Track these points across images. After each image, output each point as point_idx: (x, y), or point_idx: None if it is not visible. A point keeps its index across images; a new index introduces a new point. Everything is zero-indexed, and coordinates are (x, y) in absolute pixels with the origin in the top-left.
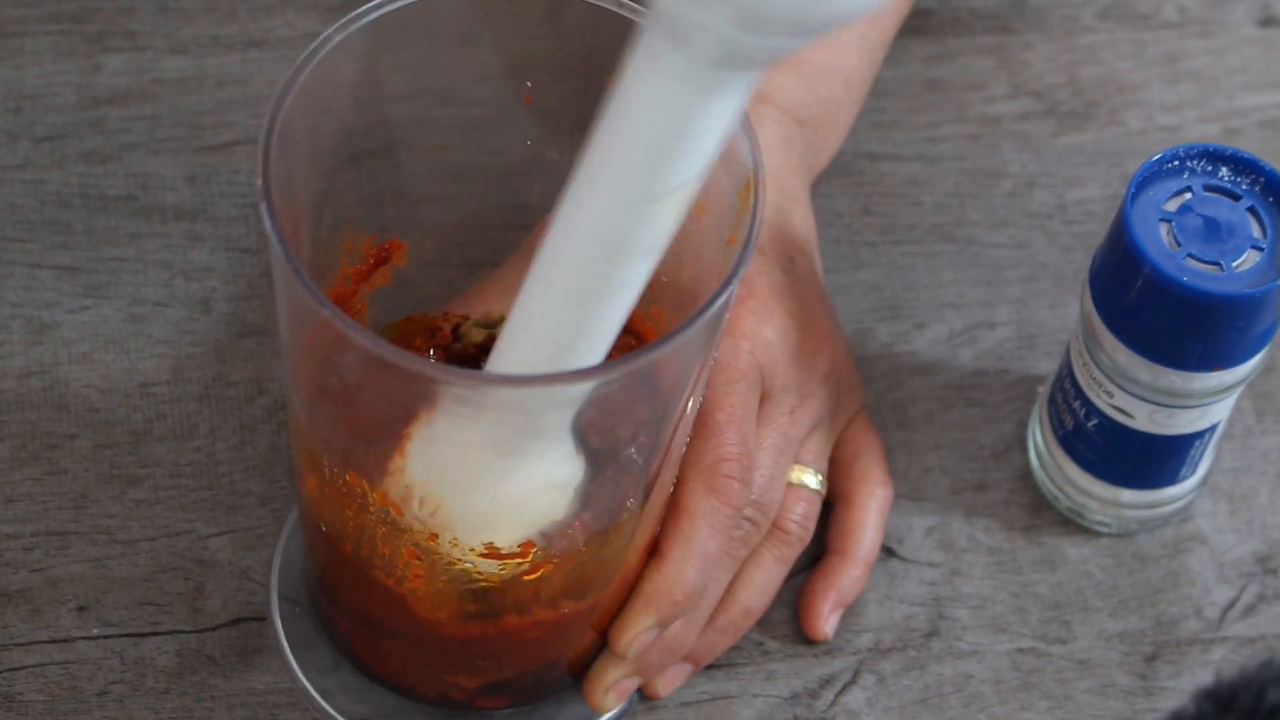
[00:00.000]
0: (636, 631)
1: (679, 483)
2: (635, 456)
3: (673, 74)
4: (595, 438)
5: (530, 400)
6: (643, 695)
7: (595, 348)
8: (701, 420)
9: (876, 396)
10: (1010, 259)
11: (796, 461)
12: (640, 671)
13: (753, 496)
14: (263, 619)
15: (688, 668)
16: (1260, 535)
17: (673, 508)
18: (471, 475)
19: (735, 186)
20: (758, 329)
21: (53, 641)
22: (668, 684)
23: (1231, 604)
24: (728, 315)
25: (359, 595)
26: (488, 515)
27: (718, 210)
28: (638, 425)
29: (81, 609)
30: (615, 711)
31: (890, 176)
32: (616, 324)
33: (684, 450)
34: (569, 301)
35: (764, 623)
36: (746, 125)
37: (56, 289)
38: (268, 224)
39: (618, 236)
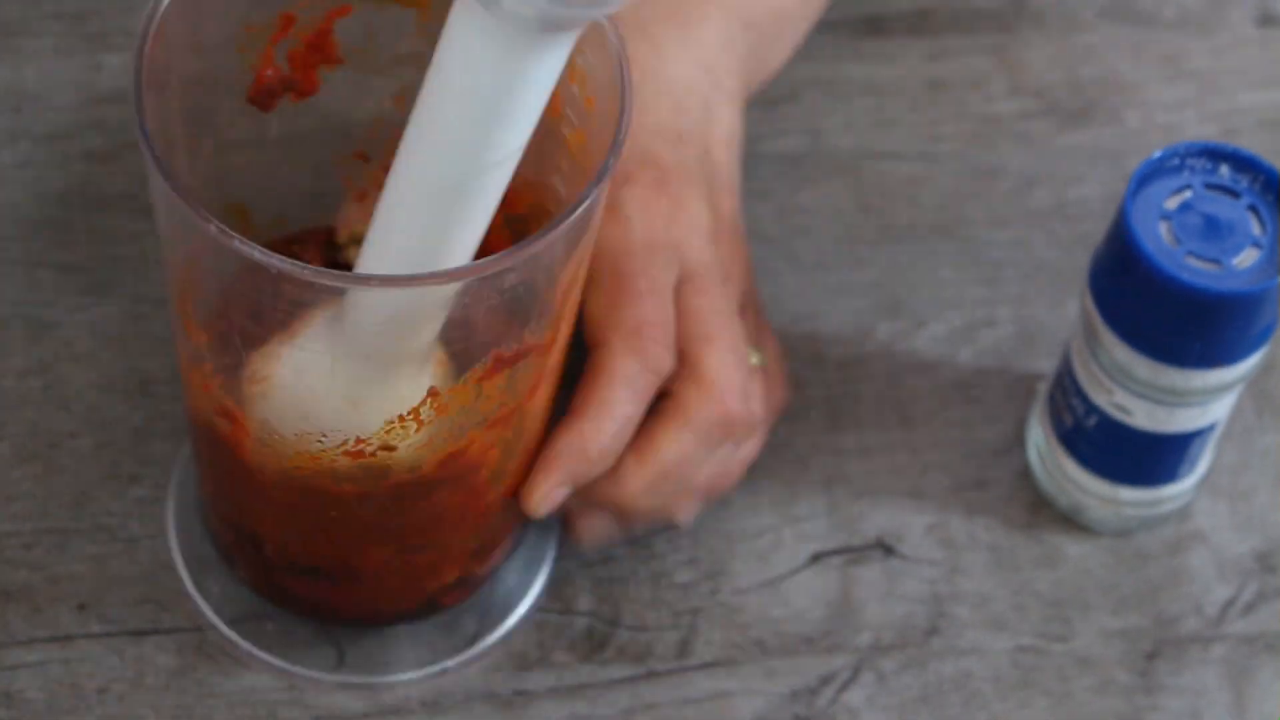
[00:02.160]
0: (546, 489)
1: (597, 345)
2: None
3: (487, 39)
4: (463, 338)
5: (397, 301)
6: (568, 543)
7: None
8: (622, 285)
9: (876, 395)
10: (1010, 257)
11: None
12: (580, 492)
13: (735, 360)
14: (264, 618)
15: (612, 528)
16: (1260, 533)
17: (591, 369)
18: (337, 382)
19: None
20: (673, 211)
21: (53, 639)
22: (589, 531)
23: (1231, 602)
24: (595, 218)
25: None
26: (351, 418)
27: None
28: (510, 327)
29: (82, 607)
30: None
31: (890, 175)
32: (468, 246)
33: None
34: (414, 245)
35: (763, 621)
36: (615, 32)
37: (56, 288)
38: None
39: (446, 205)
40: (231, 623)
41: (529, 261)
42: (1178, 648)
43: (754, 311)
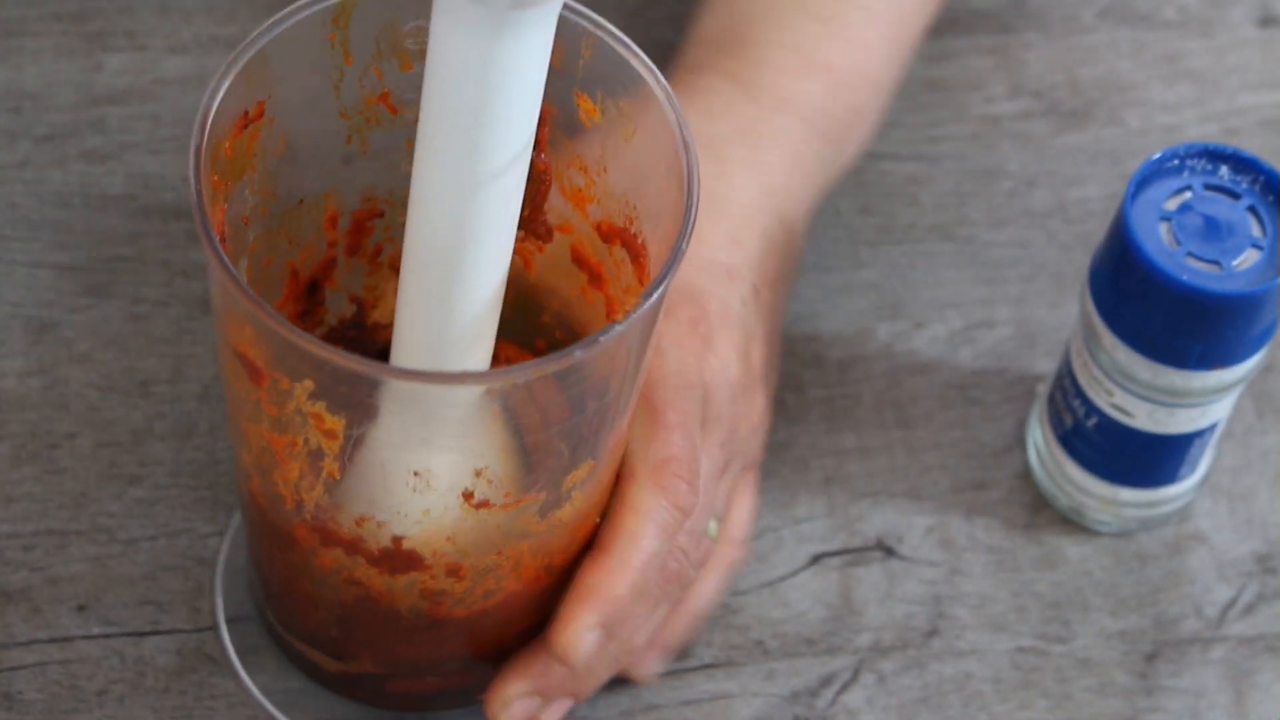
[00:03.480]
0: (579, 627)
1: (624, 479)
2: (561, 449)
3: (467, 28)
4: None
5: (420, 395)
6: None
7: (478, 341)
8: (653, 418)
9: (876, 396)
10: (1010, 258)
11: None
12: (540, 690)
13: (688, 524)
14: (262, 618)
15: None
16: (1260, 534)
17: (617, 504)
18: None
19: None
20: (704, 353)
21: (53, 640)
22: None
23: (1231, 603)
24: (656, 326)
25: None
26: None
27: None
28: (558, 424)
29: (81, 608)
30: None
31: (890, 176)
32: (490, 309)
33: (620, 448)
34: (434, 289)
35: (763, 621)
36: (691, 147)
37: (56, 288)
38: (202, 230)
39: (463, 209)
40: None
41: (588, 360)
42: (1178, 649)
43: (748, 471)
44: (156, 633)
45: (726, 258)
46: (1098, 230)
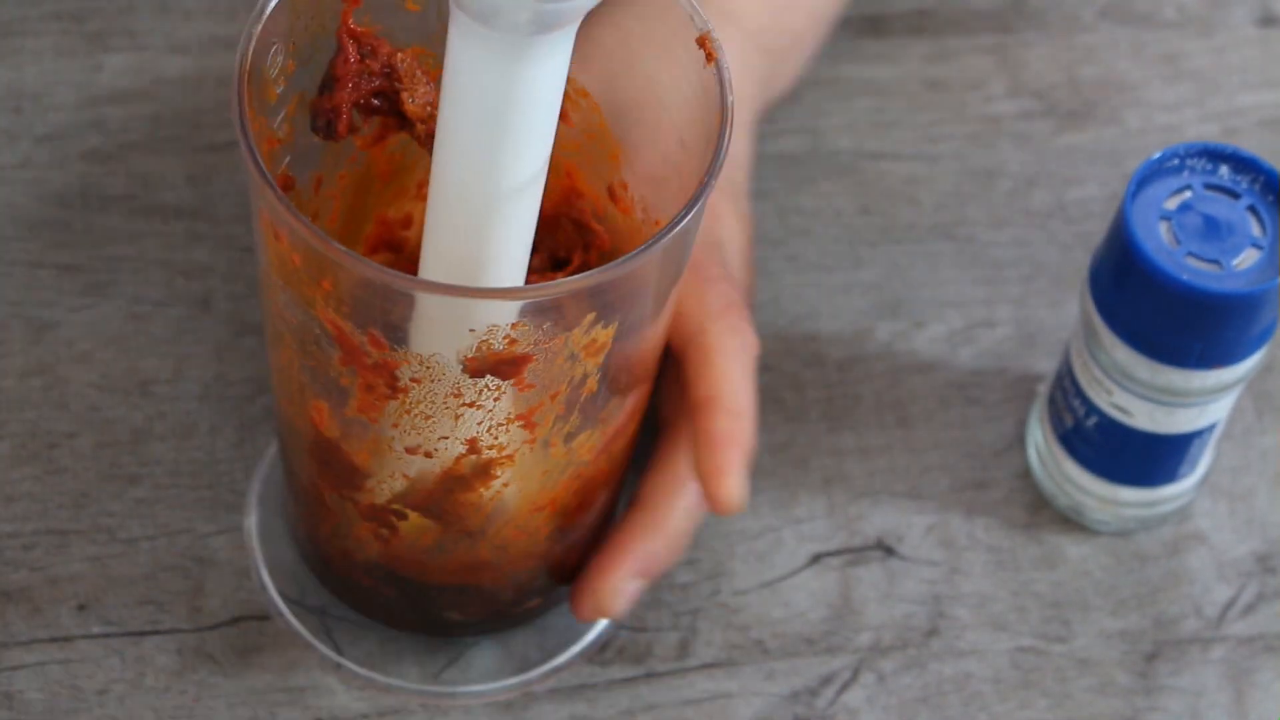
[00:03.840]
0: (732, 471)
1: (693, 336)
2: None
3: (485, 50)
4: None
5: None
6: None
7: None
8: (697, 273)
9: (876, 395)
10: (1010, 258)
11: None
12: (644, 572)
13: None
14: (263, 618)
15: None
16: (1260, 534)
17: (698, 358)
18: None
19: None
20: (712, 222)
21: (53, 640)
22: (629, 604)
23: (1231, 603)
24: (691, 239)
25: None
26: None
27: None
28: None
29: (81, 607)
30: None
31: (890, 176)
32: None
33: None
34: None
35: (763, 621)
36: (722, 55)
37: (57, 288)
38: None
39: (478, 225)
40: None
41: (628, 277)
42: (1177, 648)
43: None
44: (156, 632)
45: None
46: (1098, 230)
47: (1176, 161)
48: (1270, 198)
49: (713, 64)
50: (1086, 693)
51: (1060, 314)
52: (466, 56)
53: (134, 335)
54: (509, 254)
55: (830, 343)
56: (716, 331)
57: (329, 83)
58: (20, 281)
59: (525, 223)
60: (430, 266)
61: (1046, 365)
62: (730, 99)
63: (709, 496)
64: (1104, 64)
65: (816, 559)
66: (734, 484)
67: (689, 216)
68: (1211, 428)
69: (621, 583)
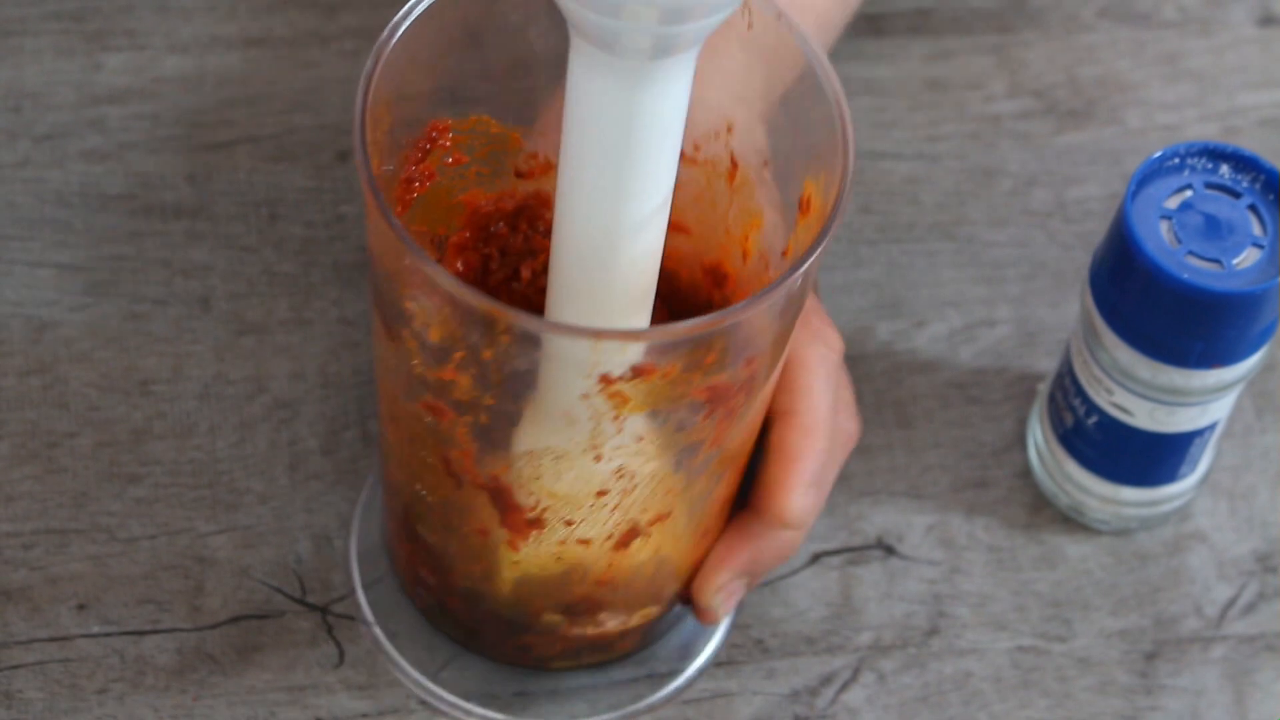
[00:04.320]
0: (799, 490)
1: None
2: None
3: (606, 78)
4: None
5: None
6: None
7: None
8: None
9: (876, 395)
10: (1010, 257)
11: None
12: (749, 570)
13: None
14: (262, 616)
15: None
16: (1260, 533)
17: (783, 370)
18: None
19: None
20: None
21: (52, 639)
22: (731, 606)
23: (1231, 602)
24: (810, 281)
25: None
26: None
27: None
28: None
29: (81, 607)
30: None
31: (890, 175)
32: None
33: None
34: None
35: (763, 621)
36: (843, 116)
37: (56, 287)
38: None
39: (604, 259)
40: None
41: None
42: (1178, 648)
43: None
44: (156, 631)
45: None
46: (1098, 229)
47: (1177, 161)
48: (1271, 197)
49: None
50: (1086, 692)
51: (1060, 313)
52: (587, 85)
53: (133, 335)
54: (637, 289)
55: None
56: (801, 341)
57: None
58: (20, 280)
59: (650, 257)
60: (556, 307)
61: (1047, 365)
62: (852, 151)
63: (766, 509)
64: (1104, 64)
65: (816, 558)
66: (793, 500)
67: (812, 258)
68: (1212, 427)
69: (802, 491)
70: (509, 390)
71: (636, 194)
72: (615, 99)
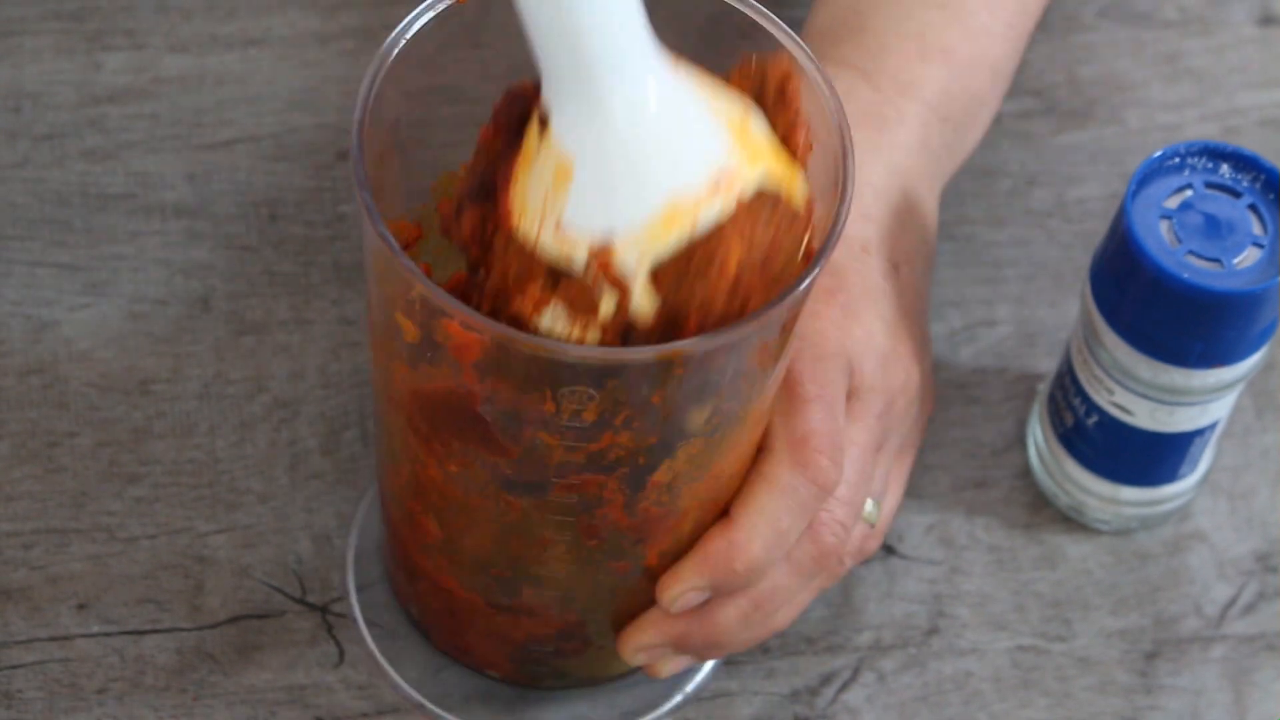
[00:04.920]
0: (685, 587)
1: (764, 450)
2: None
3: None
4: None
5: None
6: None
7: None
8: (790, 391)
9: None
10: (1010, 257)
11: None
12: (675, 646)
13: (841, 495)
14: (262, 616)
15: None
16: (1260, 533)
17: (753, 475)
18: None
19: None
20: (845, 323)
21: (52, 639)
22: (672, 667)
23: (1231, 602)
24: (804, 304)
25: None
26: None
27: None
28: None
29: (81, 606)
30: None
31: None
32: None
33: (759, 427)
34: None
35: None
36: (842, 121)
37: (56, 287)
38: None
39: None
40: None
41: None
42: (1178, 648)
43: (903, 454)
44: (156, 631)
45: (859, 232)
46: (1098, 229)
47: (1177, 160)
48: (1271, 196)
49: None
50: (1086, 692)
51: (1060, 313)
52: None
53: (133, 334)
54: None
55: None
56: (777, 459)
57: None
58: (20, 280)
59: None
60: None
61: (1047, 364)
62: (851, 172)
63: (659, 585)
64: (1104, 63)
65: None
66: (674, 591)
67: (779, 306)
68: (1212, 427)
69: (688, 589)
70: None
71: None
72: None
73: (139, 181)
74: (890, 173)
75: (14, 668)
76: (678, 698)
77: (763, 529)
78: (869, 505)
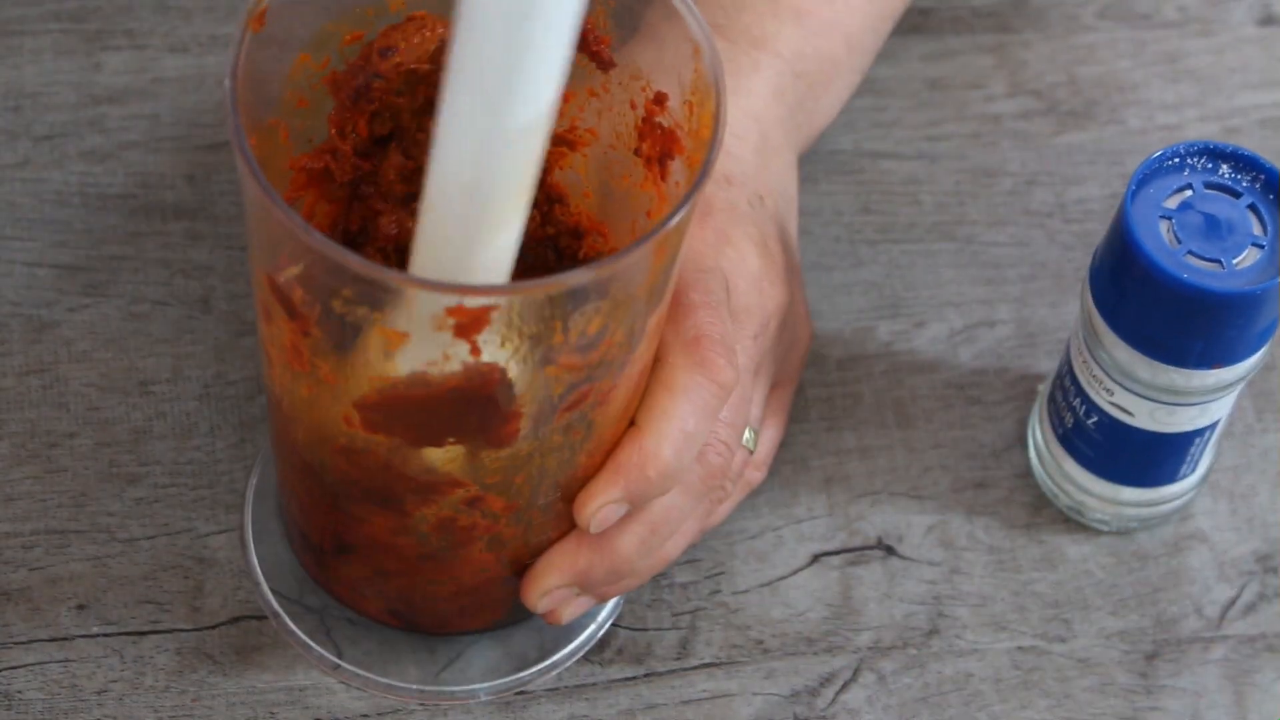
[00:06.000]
0: (602, 501)
1: (660, 358)
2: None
3: None
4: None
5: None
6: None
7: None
8: (677, 300)
9: (876, 395)
10: (1010, 257)
11: None
12: (580, 582)
13: (724, 416)
14: (262, 617)
15: (590, 600)
16: (1260, 533)
17: (653, 383)
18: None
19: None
20: (718, 244)
21: (52, 640)
22: (573, 610)
23: (1232, 602)
24: (683, 240)
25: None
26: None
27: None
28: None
29: (81, 607)
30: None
31: (890, 175)
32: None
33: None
34: (460, 216)
35: (763, 621)
36: (714, 53)
37: (56, 287)
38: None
39: (481, 173)
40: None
41: (620, 274)
42: (1178, 648)
43: (781, 387)
44: (156, 632)
45: (721, 167)
46: (1098, 230)
47: (1177, 160)
48: (1271, 196)
49: (699, 57)
50: (1086, 693)
51: (1060, 314)
52: None
53: (133, 335)
54: (508, 214)
55: (830, 342)
56: (674, 363)
57: (387, 50)
58: (20, 280)
59: (530, 170)
60: (424, 238)
61: (1046, 365)
62: (723, 117)
63: (577, 510)
64: (1104, 64)
65: (816, 559)
66: (591, 507)
67: (670, 223)
68: (1212, 427)
69: (606, 503)
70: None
71: (522, 94)
72: None
73: (139, 182)
74: (746, 116)
75: (14, 668)
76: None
77: (670, 433)
78: (747, 433)
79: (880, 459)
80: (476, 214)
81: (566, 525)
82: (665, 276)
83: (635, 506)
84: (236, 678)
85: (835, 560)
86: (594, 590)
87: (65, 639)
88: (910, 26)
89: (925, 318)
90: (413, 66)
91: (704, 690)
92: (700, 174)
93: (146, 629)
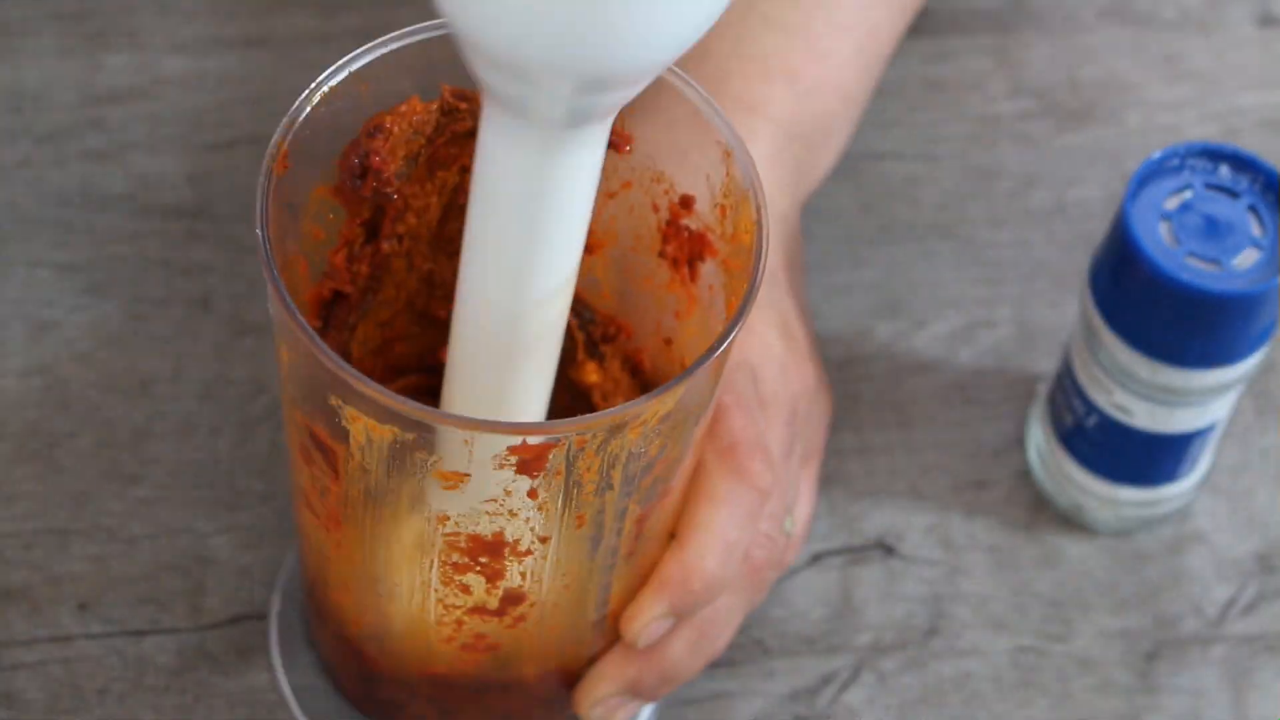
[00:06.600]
0: (649, 618)
1: (696, 472)
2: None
3: (518, 143)
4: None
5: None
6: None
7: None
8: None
9: (876, 395)
10: (1010, 257)
11: None
12: (631, 691)
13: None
14: (263, 617)
15: (642, 702)
16: (1260, 533)
17: (691, 494)
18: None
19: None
20: (742, 336)
21: (53, 639)
22: (625, 715)
23: (1231, 602)
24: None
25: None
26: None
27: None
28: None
29: (82, 607)
30: None
31: (890, 175)
32: (542, 382)
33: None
34: (482, 389)
35: (763, 621)
36: (746, 156)
37: (57, 287)
38: (268, 272)
39: (506, 343)
40: None
41: (683, 396)
42: (1178, 648)
43: (808, 460)
44: (156, 631)
45: None
46: (1098, 230)
47: (1176, 161)
48: (1270, 197)
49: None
50: (1086, 692)
51: (1060, 314)
52: (500, 149)
53: (134, 335)
54: (538, 367)
55: (830, 343)
56: (711, 472)
57: (376, 130)
58: (20, 281)
59: (555, 335)
60: (456, 385)
61: (1046, 365)
62: (766, 225)
63: (620, 625)
64: (1104, 64)
65: (817, 558)
66: (638, 623)
67: (714, 355)
68: (1212, 427)
69: (653, 619)
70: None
71: (542, 266)
72: (527, 165)
73: (139, 182)
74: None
75: (14, 668)
76: None
77: (713, 544)
78: (787, 521)
79: (880, 459)
80: (505, 370)
81: (615, 635)
82: (716, 388)
83: (681, 619)
84: (237, 677)
85: (835, 560)
86: (645, 696)
87: (66, 638)
88: (910, 26)
89: (925, 318)
90: (408, 139)
91: (704, 690)
92: (751, 285)
93: (147, 629)
